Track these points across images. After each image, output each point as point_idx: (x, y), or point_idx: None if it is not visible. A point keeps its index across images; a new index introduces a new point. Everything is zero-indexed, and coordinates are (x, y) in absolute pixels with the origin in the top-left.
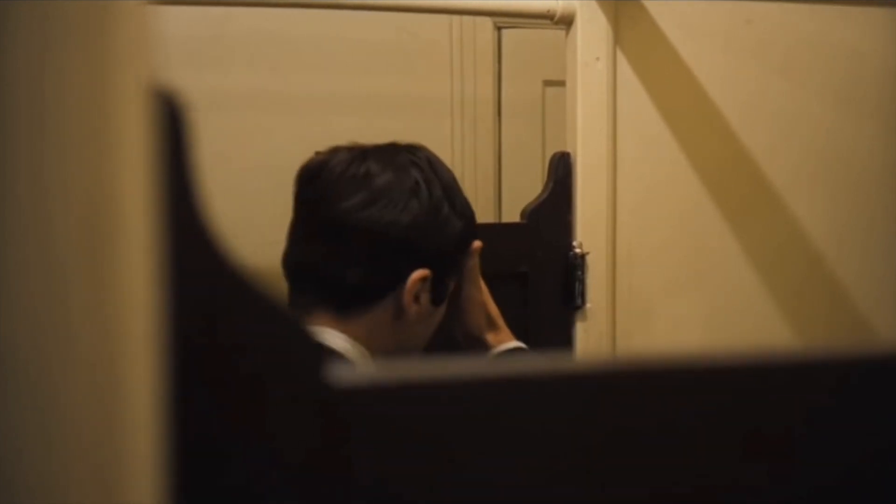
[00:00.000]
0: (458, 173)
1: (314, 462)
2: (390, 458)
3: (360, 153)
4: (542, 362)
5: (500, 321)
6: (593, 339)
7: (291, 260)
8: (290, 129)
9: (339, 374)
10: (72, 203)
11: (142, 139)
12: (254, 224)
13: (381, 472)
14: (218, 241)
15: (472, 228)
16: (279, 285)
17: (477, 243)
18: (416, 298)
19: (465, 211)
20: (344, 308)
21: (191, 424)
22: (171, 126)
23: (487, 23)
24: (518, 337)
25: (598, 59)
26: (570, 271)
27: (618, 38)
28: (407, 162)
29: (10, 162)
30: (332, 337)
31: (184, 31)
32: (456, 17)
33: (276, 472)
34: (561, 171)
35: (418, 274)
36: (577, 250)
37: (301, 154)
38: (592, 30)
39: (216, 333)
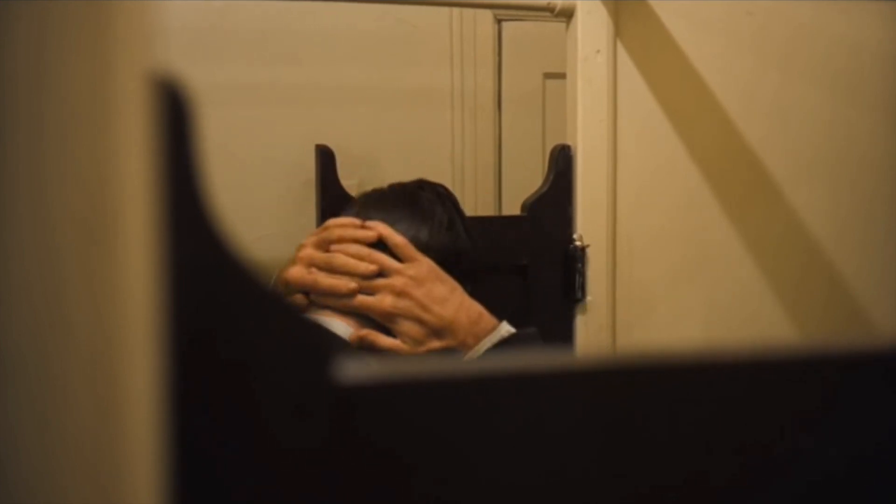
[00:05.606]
0: (458, 166)
1: (317, 460)
2: (395, 456)
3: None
4: (549, 359)
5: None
6: (594, 332)
7: None
8: (289, 122)
9: (345, 371)
10: (72, 199)
11: (143, 134)
12: (249, 216)
13: (385, 471)
14: (222, 237)
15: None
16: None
17: None
18: None
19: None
20: None
21: (191, 422)
22: (175, 119)
23: (487, 15)
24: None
25: (598, 51)
26: (570, 264)
27: (618, 31)
28: (425, 197)
29: (10, 158)
30: (342, 328)
31: (181, 24)
32: (456, 9)
33: (278, 470)
34: (561, 163)
35: None
36: (578, 243)
37: (299, 146)
38: (593, 23)
39: (218, 329)
